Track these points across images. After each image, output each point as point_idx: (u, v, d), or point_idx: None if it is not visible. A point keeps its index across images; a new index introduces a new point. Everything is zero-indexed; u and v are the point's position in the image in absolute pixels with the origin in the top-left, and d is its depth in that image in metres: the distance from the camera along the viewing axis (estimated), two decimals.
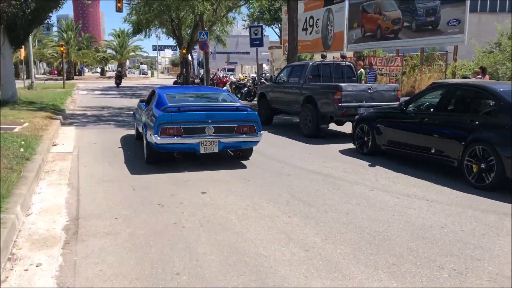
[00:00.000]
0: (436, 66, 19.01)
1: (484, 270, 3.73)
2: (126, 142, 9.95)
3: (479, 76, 12.24)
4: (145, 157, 7.92)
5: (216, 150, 7.43)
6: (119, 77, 40.46)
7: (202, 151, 7.38)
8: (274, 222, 4.86)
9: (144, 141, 7.97)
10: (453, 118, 7.06)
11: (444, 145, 6.95)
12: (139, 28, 37.22)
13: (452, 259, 3.93)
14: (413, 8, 16.94)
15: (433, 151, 7.14)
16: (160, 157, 7.74)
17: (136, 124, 9.92)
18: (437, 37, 16.11)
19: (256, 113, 8.06)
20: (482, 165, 6.19)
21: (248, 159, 8.34)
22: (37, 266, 3.72)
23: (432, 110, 7.55)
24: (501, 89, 6.60)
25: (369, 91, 10.41)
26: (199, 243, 4.23)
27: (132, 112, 12.70)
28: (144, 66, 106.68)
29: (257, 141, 7.86)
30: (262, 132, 7.88)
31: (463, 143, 6.51)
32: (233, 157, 8.29)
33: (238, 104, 8.34)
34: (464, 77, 13.54)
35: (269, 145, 9.77)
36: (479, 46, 18.39)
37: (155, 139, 7.12)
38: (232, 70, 48.23)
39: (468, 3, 14.81)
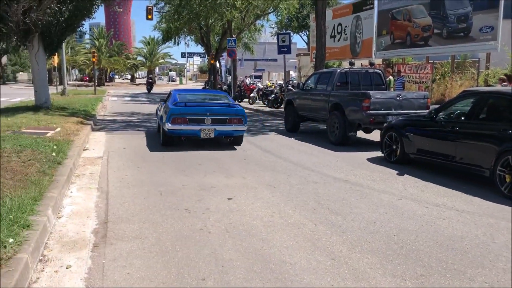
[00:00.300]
0: (468, 74, 18.57)
1: None
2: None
3: (505, 83, 11.86)
4: (161, 141, 10.23)
5: (212, 135, 9.65)
6: (150, 84, 41.32)
7: (202, 136, 9.59)
8: (300, 229, 4.84)
9: (161, 129, 10.22)
10: (485, 127, 6.88)
11: (475, 154, 6.79)
12: (168, 35, 37.77)
13: (483, 272, 3.83)
14: (444, 15, 16.62)
15: (463, 160, 6.99)
16: (171, 141, 10.01)
17: (157, 118, 11.78)
18: (468, 44, 15.74)
19: (243, 109, 10.35)
20: None
21: (240, 145, 10.38)
22: (66, 268, 3.80)
23: (463, 118, 7.39)
24: None
25: (398, 98, 10.26)
26: (225, 249, 4.25)
27: None
28: (173, 73, 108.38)
29: (244, 130, 10.15)
30: (248, 123, 10.19)
31: (495, 152, 6.34)
32: (259, 163, 8.34)
33: (231, 102, 10.75)
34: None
35: (296, 152, 9.76)
36: None
37: (168, 126, 9.45)
38: (260, 77, 48.42)
39: (502, 8, 14.45)
